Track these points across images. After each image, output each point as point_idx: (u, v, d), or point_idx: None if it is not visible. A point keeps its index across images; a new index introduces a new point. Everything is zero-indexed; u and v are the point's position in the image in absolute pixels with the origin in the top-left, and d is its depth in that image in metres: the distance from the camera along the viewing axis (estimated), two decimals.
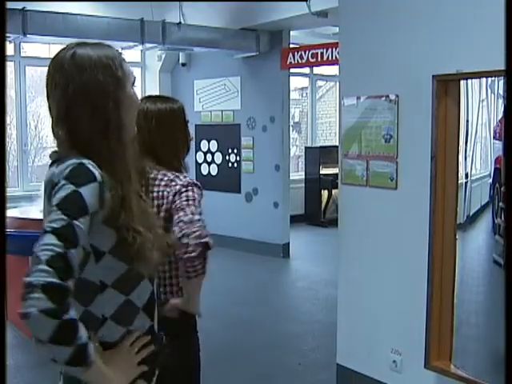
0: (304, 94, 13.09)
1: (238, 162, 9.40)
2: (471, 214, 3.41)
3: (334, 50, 7.79)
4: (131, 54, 9.59)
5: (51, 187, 1.43)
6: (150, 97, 2.54)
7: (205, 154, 9.79)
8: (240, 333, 5.66)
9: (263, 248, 8.88)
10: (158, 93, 10.00)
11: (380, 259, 3.84)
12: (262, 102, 8.97)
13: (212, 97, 9.67)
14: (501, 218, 3.23)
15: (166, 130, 2.40)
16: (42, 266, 1.24)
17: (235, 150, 9.43)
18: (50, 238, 1.29)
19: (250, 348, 5.26)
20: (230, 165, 9.53)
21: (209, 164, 9.80)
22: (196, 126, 9.37)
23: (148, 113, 2.39)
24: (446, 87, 3.22)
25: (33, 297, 1.22)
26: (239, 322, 5.93)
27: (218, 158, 9.67)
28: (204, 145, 9.76)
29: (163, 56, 9.80)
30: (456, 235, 3.32)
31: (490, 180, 3.30)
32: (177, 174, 2.42)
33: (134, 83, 1.61)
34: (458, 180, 3.29)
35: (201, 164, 9.81)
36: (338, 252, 4.17)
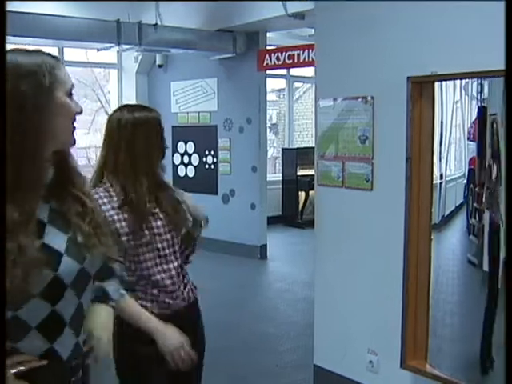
0: (281, 96, 13.10)
1: (215, 164, 9.38)
2: (446, 214, 3.43)
3: (310, 51, 7.80)
4: (107, 55, 9.55)
5: None
6: (126, 105, 2.52)
7: (182, 155, 9.75)
8: (217, 334, 5.60)
9: (240, 249, 8.86)
10: (134, 94, 9.98)
11: (356, 260, 3.84)
12: (238, 103, 8.96)
13: (189, 98, 9.65)
14: (475, 218, 3.27)
15: (141, 138, 2.36)
16: None
17: (212, 152, 9.40)
18: None
19: (226, 350, 5.25)
20: (206, 166, 9.50)
21: (186, 166, 9.76)
22: (173, 127, 9.34)
23: (123, 121, 2.36)
24: (421, 89, 3.22)
25: None
26: (216, 323, 5.86)
27: (195, 159, 9.64)
28: (181, 146, 9.72)
29: (140, 57, 9.75)
30: (431, 235, 3.33)
31: (465, 181, 3.32)
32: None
33: (69, 91, 1.57)
34: (432, 181, 3.30)
35: (178, 166, 9.77)
36: (314, 253, 4.16)
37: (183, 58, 9.25)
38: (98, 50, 8.21)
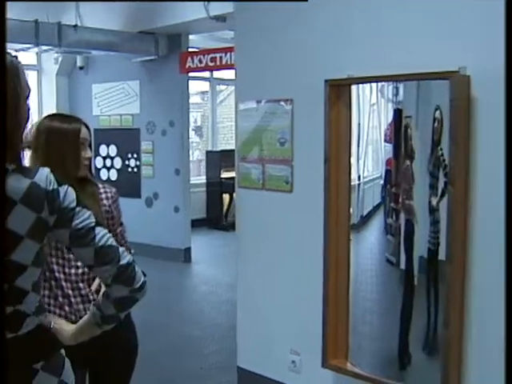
0: (205, 98, 13.07)
1: (138, 167, 9.26)
2: (364, 214, 3.48)
3: (232, 54, 7.81)
4: (26, 56, 9.31)
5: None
6: (52, 114, 2.52)
7: (104, 158, 9.58)
8: (141, 338, 5.55)
9: (164, 253, 8.76)
10: (54, 96, 9.75)
11: (277, 261, 3.84)
12: (161, 106, 8.87)
13: (111, 101, 9.50)
14: (392, 218, 3.33)
15: (54, 149, 2.34)
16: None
17: (135, 155, 9.28)
18: None
19: (151, 353, 5.17)
20: (129, 169, 9.37)
21: (108, 169, 9.59)
22: (95, 130, 9.16)
23: (40, 129, 2.35)
24: (338, 91, 3.25)
25: None
26: (141, 327, 5.78)
27: (118, 162, 9.49)
28: (103, 149, 9.56)
29: (60, 59, 9.52)
30: (350, 236, 3.37)
31: (382, 181, 3.37)
32: None
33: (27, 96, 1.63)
34: (350, 182, 3.34)
35: (100, 169, 9.61)
36: (236, 255, 4.15)
37: (105, 59, 9.10)
38: (17, 50, 7.99)
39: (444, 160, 2.95)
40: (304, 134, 3.60)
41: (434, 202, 3.04)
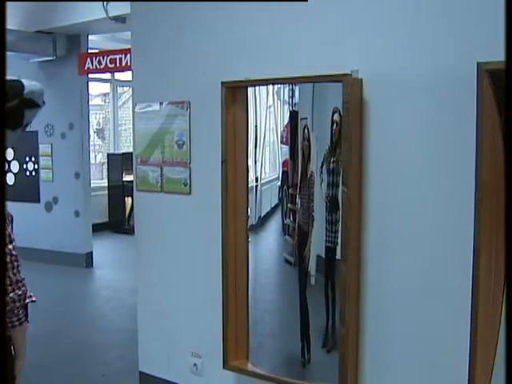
0: (107, 100, 12.84)
1: (37, 170, 8.98)
2: (262, 215, 3.50)
3: None
4: None
5: None
6: None
7: None
8: (43, 346, 5.38)
9: (65, 258, 8.53)
10: None
11: (176, 264, 3.82)
12: (60, 108, 8.61)
13: None
14: (289, 218, 3.37)
15: None
16: None
17: (33, 158, 8.99)
18: None
19: (53, 361, 5.04)
20: (27, 173, 9.05)
21: (4, 173, 9.24)
22: None
23: None
24: (235, 94, 3.25)
25: None
26: (42, 335, 5.64)
27: (15, 166, 9.14)
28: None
29: None
30: (248, 237, 3.39)
31: (279, 183, 3.36)
32: None
33: None
34: (248, 183, 3.36)
35: None
36: (136, 259, 4.10)
37: None
38: None
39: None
40: (201, 136, 3.59)
41: (332, 202, 3.12)
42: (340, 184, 2.98)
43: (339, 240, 3.02)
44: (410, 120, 2.78)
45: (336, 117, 3.03)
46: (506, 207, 1.74)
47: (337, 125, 3.02)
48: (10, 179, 9.16)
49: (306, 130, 3.23)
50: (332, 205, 3.13)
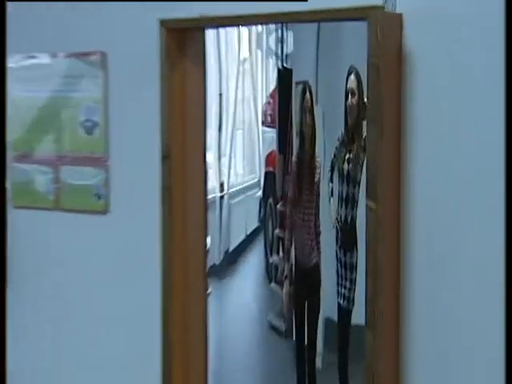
0: None
1: None
2: (231, 248, 2.87)
3: None
4: None
5: None
6: None
7: None
8: None
9: None
10: None
11: (77, 342, 2.90)
12: None
13: None
14: (277, 254, 2.68)
15: None
16: None
17: None
18: None
19: None
20: None
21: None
22: None
23: None
24: (183, 41, 2.56)
25: None
26: None
27: None
28: None
29: None
30: (208, 287, 2.67)
31: (260, 192, 2.75)
32: None
33: None
34: (206, 193, 2.65)
35: None
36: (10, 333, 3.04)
37: None
38: None
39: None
40: (126, 112, 2.71)
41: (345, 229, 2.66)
42: (359, 198, 2.42)
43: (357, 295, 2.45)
44: (479, 89, 2.07)
45: (352, 82, 2.42)
46: (506, 207, 1.74)
47: (354, 95, 2.43)
48: None
49: (306, 101, 2.54)
50: (346, 234, 2.41)
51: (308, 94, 2.58)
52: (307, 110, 2.55)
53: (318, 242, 2.53)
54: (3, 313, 1.63)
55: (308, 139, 2.53)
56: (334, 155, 2.50)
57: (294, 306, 2.60)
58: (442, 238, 2.17)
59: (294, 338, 2.62)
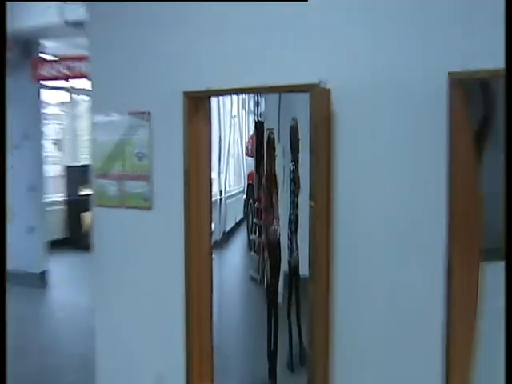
0: (65, 110, 12.71)
1: None
2: (227, 230, 3.45)
3: None
4: None
5: None
6: None
7: None
8: None
9: (18, 279, 8.11)
10: None
11: (136, 282, 3.67)
12: (12, 117, 8.50)
13: None
14: (255, 233, 3.33)
15: None
16: None
17: None
18: None
19: None
20: None
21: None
22: None
23: None
24: (197, 104, 3.18)
25: None
26: None
27: None
28: None
29: None
30: (212, 254, 3.32)
31: (244, 196, 3.38)
32: None
33: None
34: (211, 197, 3.29)
35: None
36: (92, 279, 3.94)
37: None
38: None
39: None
40: (162, 148, 3.48)
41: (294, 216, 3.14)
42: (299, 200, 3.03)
43: (300, 256, 3.11)
44: (380, 132, 2.76)
45: (294, 126, 3.15)
46: (507, 208, 1.87)
47: (296, 134, 3.14)
48: None
49: (271, 141, 3.25)
50: (294, 223, 3.16)
51: (272, 136, 3.22)
52: (272, 146, 3.22)
53: (279, 227, 3.21)
54: (3, 313, 1.50)
55: (273, 164, 3.23)
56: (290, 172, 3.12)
57: (264, 265, 3.31)
58: (357, 221, 2.86)
59: (264, 285, 3.32)
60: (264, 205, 3.31)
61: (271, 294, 3.30)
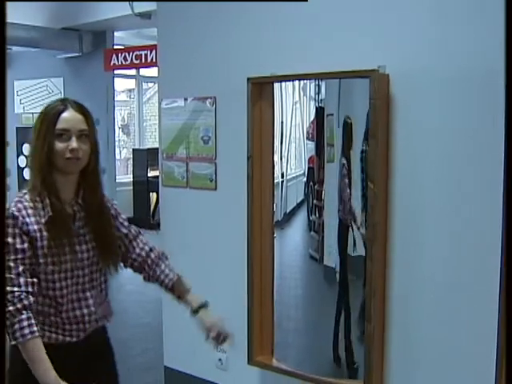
0: (132, 96, 12.90)
1: None
2: (288, 211, 3.43)
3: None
4: None
5: None
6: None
7: (27, 158, 9.28)
8: None
9: None
10: None
11: (201, 259, 3.74)
12: (85, 103, 8.62)
13: (34, 98, 9.24)
14: (315, 214, 3.31)
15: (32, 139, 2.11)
16: None
17: None
18: None
19: None
20: None
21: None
22: (17, 128, 8.92)
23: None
24: (261, 90, 3.19)
25: None
26: None
27: None
28: (26, 148, 9.31)
29: None
30: (274, 233, 3.32)
31: (305, 179, 3.29)
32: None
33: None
34: (274, 179, 3.29)
35: (23, 168, 9.35)
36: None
37: (27, 55, 8.84)
38: None
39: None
40: (227, 131, 3.53)
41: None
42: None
43: (356, 237, 3.06)
44: (437, 116, 2.73)
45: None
46: (506, 209, 1.80)
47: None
48: None
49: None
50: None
51: (349, 121, 3.05)
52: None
53: (350, 209, 3.09)
54: (3, 312, 1.59)
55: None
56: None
57: (323, 244, 3.26)
58: (414, 204, 2.84)
59: (323, 263, 3.24)
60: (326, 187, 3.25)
61: (329, 271, 3.27)
